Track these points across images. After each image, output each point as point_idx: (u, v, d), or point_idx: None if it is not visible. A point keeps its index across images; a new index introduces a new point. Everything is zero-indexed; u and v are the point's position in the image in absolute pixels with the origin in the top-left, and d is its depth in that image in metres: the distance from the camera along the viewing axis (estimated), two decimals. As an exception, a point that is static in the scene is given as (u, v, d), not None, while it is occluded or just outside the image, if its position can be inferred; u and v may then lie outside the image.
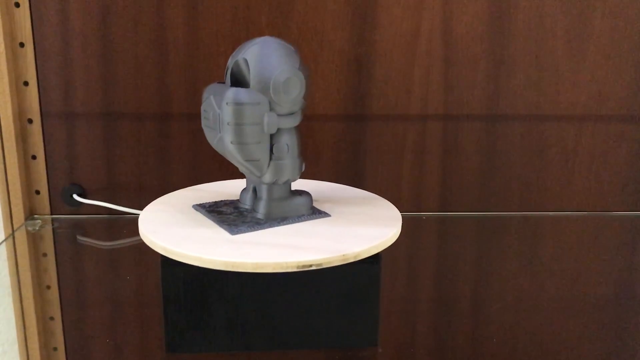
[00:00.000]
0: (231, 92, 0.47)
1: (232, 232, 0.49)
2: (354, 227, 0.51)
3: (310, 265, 0.44)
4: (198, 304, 0.49)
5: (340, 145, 0.70)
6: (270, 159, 0.50)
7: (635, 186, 0.73)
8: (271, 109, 0.48)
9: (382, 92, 0.68)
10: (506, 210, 0.73)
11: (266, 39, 0.49)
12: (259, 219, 0.52)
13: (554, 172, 0.72)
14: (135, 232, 0.52)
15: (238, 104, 0.47)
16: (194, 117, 0.67)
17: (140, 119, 0.67)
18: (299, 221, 0.52)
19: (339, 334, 0.46)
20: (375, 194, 0.62)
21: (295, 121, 0.50)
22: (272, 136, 0.49)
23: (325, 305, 0.50)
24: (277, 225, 0.51)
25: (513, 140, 0.71)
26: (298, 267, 0.44)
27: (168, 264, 0.50)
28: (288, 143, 0.50)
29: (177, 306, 0.49)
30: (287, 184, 0.52)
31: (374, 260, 0.50)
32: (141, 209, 0.56)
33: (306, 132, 0.68)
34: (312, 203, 0.54)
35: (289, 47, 0.49)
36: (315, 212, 0.54)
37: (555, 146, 0.71)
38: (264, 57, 0.48)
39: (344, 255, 0.45)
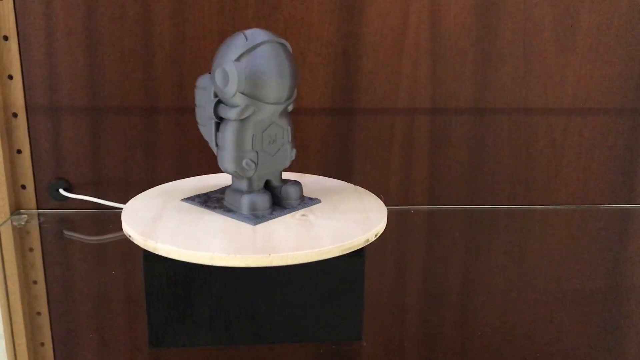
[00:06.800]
0: (199, 77, 0.52)
1: (181, 199, 0.56)
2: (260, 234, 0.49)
3: (130, 236, 0.50)
4: (181, 299, 0.49)
5: (328, 139, 0.70)
6: (217, 145, 0.52)
7: (623, 179, 0.73)
8: (216, 96, 0.51)
9: (369, 85, 0.68)
10: (494, 204, 0.73)
11: (248, 30, 0.49)
12: (221, 203, 0.55)
13: (542, 165, 0.72)
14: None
15: (195, 87, 0.52)
16: (181, 110, 0.67)
17: (127, 112, 0.67)
18: (228, 215, 0.52)
19: (323, 328, 0.46)
20: (363, 187, 0.62)
21: (233, 114, 0.49)
22: (219, 124, 0.51)
23: (310, 299, 0.50)
24: (214, 211, 0.53)
25: (501, 134, 0.71)
26: (126, 233, 0.51)
27: (150, 258, 0.50)
28: (225, 134, 0.50)
29: (159, 300, 0.49)
30: (246, 178, 0.52)
31: (357, 253, 0.50)
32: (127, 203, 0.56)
33: (294, 125, 0.68)
34: (249, 205, 0.52)
35: (243, 37, 0.48)
36: (245, 217, 0.51)
37: (543, 139, 0.71)
38: (221, 45, 0.50)
39: (144, 239, 0.48)
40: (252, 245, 0.47)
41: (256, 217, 0.51)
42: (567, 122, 0.71)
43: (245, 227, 0.50)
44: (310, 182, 0.63)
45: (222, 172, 0.63)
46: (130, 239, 0.50)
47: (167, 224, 0.51)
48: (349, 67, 0.67)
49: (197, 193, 0.58)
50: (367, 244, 0.50)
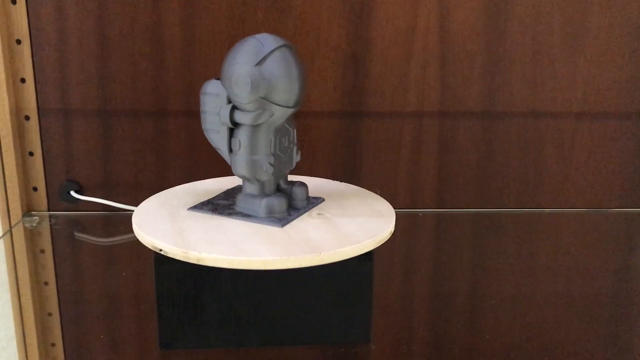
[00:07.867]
0: (205, 84, 0.52)
1: (187, 209, 0.55)
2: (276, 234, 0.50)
3: (160, 250, 0.48)
4: (191, 301, 0.49)
5: (337, 142, 0.70)
6: (231, 151, 0.52)
7: (632, 183, 0.73)
8: (230, 102, 0.50)
9: (378, 89, 0.68)
10: (503, 207, 0.73)
11: (258, 35, 0.49)
12: (233, 209, 0.54)
13: (551, 169, 0.72)
14: (132, 228, 0.52)
15: (202, 94, 0.52)
16: (190, 114, 0.67)
17: (137, 116, 0.67)
18: (248, 220, 0.52)
19: (331, 331, 0.46)
20: (372, 190, 0.62)
21: (250, 119, 0.49)
22: (233, 130, 0.51)
23: (319, 301, 0.50)
24: (231, 217, 0.53)
25: (509, 137, 0.71)
26: (152, 247, 0.49)
27: (161, 260, 0.50)
28: (241, 139, 0.50)
29: (170, 303, 0.49)
30: (260, 182, 0.52)
31: (366, 257, 0.50)
32: (138, 205, 0.57)
33: (302, 128, 0.69)
34: (267, 208, 0.52)
35: (258, 43, 0.48)
36: (268, 220, 0.52)
37: (552, 143, 0.71)
38: (233, 51, 0.49)
39: (184, 251, 0.47)
40: (297, 246, 0.47)
41: (278, 220, 0.52)
42: (576, 126, 0.71)
43: (274, 230, 0.50)
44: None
45: (221, 176, 0.65)
46: (162, 252, 0.48)
47: (195, 234, 0.49)
48: (357, 70, 0.68)
49: (194, 200, 0.57)
50: (390, 235, 0.52)
